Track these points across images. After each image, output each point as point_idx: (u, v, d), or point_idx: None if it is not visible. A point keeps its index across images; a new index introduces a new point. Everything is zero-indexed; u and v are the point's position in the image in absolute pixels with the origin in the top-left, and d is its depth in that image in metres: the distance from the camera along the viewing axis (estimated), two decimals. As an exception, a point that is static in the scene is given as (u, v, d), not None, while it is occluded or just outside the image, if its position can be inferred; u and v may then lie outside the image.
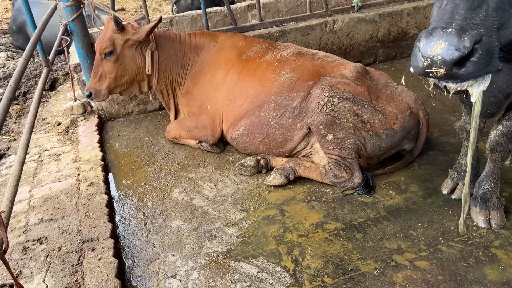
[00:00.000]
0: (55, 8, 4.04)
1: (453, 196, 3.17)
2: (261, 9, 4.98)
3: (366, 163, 3.44)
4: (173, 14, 7.94)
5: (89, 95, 3.81)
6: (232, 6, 5.45)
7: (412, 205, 3.14)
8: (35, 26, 3.74)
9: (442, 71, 1.52)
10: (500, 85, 2.43)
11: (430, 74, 1.57)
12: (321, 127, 3.29)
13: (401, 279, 2.55)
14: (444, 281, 2.52)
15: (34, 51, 3.41)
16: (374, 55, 5.49)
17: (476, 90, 1.56)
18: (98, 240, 2.91)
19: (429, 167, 3.53)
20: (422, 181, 3.38)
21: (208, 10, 5.23)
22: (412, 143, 3.51)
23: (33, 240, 3.02)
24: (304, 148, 3.57)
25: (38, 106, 2.97)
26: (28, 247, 2.97)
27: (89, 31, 4.50)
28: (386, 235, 2.88)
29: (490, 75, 1.56)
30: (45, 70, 3.67)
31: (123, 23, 3.71)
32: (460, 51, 1.46)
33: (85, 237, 2.95)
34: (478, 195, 2.94)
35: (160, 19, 3.70)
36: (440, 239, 2.82)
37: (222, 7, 5.51)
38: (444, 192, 3.23)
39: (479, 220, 2.89)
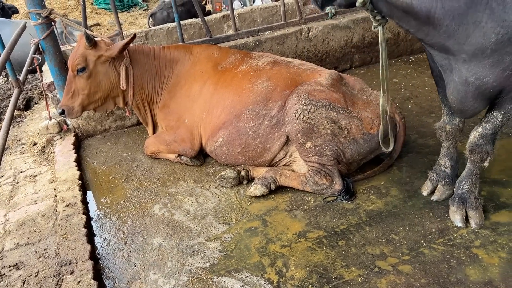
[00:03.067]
0: (24, 27, 3.96)
1: (433, 198, 3.19)
2: (236, 19, 4.98)
3: (346, 169, 3.45)
4: (149, 27, 7.91)
5: (62, 113, 3.74)
6: (207, 18, 5.45)
7: (393, 209, 3.15)
8: (4, 46, 3.67)
9: None
10: (455, 66, 2.55)
11: None
12: (299, 135, 3.29)
13: (385, 285, 2.54)
14: (427, 284, 2.52)
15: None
16: (350, 61, 5.54)
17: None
18: (76, 263, 2.83)
19: (408, 170, 3.55)
20: (402, 184, 3.40)
21: (183, 22, 5.21)
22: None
23: (9, 266, 2.93)
24: (284, 157, 3.56)
25: (8, 128, 2.89)
26: (4, 273, 2.87)
27: (62, 49, 4.43)
28: (369, 241, 2.88)
29: None
30: (16, 90, 3.59)
31: (96, 39, 3.67)
32: None
33: (63, 260, 2.87)
34: (457, 195, 2.97)
35: (134, 36, 3.67)
36: (422, 242, 2.83)
37: (197, 19, 5.49)
38: (424, 193, 3.25)
39: (456, 219, 2.92)
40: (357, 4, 2.32)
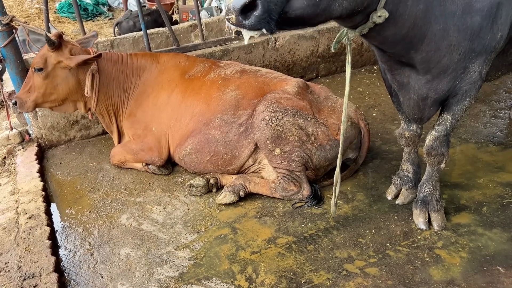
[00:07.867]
0: (-16, 34, 3.84)
1: (397, 202, 3.30)
2: (203, 29, 5.00)
3: (314, 175, 3.51)
4: (115, 36, 7.79)
5: (14, 104, 3.67)
6: (174, 27, 5.43)
7: (359, 213, 3.22)
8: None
9: (233, 17, 1.86)
10: (414, 86, 2.67)
11: (229, 20, 1.90)
12: (268, 142, 3.33)
13: (353, 287, 2.59)
14: (393, 286, 2.59)
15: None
16: (316, 70, 5.66)
17: (246, 35, 1.93)
18: (40, 276, 2.74)
19: (373, 175, 3.65)
20: (367, 189, 3.49)
21: (150, 31, 5.18)
22: (355, 152, 3.63)
23: (-33, 282, 2.80)
24: (253, 164, 3.59)
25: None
26: (-38, 290, 2.75)
27: (24, 57, 4.31)
28: (337, 245, 2.94)
29: (263, 30, 1.91)
30: (-26, 100, 3.46)
31: (66, 40, 3.59)
32: (243, 2, 1.81)
33: (25, 274, 2.77)
34: (419, 198, 3.08)
35: (99, 55, 3.59)
36: (388, 244, 2.91)
37: (164, 28, 5.47)
38: (389, 198, 3.35)
39: (419, 222, 3.03)
40: (374, 20, 2.13)
